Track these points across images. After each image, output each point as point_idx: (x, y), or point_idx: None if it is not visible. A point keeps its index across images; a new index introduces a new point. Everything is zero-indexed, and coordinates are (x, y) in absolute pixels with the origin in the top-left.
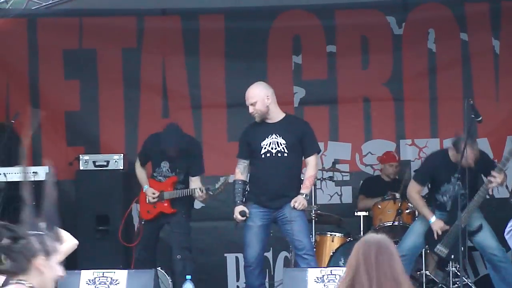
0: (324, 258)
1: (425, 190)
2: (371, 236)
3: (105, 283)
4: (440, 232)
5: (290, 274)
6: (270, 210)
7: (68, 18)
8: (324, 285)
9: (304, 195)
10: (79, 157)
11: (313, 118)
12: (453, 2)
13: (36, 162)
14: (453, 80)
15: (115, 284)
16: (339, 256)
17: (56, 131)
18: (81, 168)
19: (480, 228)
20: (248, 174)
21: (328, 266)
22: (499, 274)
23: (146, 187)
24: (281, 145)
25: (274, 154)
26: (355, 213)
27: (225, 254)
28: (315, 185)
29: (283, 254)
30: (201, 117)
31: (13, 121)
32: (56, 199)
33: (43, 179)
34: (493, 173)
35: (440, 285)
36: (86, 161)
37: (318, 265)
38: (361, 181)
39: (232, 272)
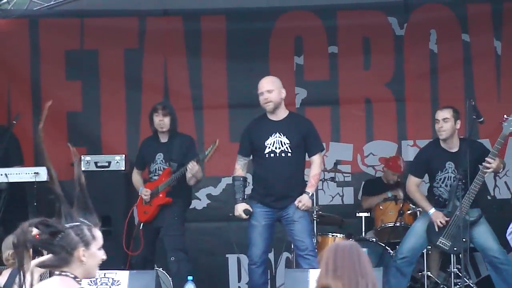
0: None
1: (424, 192)
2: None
3: (106, 284)
4: (439, 223)
5: (292, 275)
6: (274, 209)
7: (70, 19)
8: None
9: (310, 194)
10: (80, 157)
11: (315, 119)
12: (455, 3)
13: (38, 162)
14: (455, 81)
15: (117, 285)
16: None
17: (57, 132)
18: (83, 168)
19: (480, 217)
20: (246, 172)
21: None
22: (500, 276)
23: (141, 189)
24: (285, 144)
25: (278, 154)
26: (357, 214)
27: (227, 255)
28: (316, 186)
29: (285, 255)
30: (202, 117)
31: (14, 122)
32: (85, 187)
33: (44, 180)
34: (488, 158)
35: (441, 286)
36: (88, 162)
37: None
38: (362, 183)
39: (234, 273)
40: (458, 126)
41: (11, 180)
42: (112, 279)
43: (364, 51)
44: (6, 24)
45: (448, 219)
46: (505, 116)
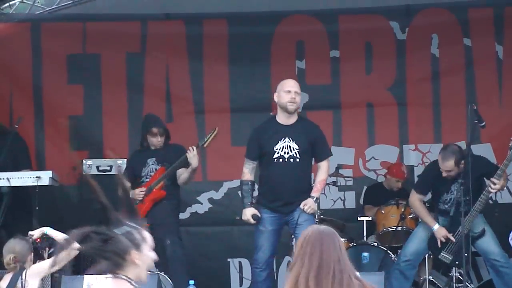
0: None
1: (428, 195)
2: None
3: None
4: (443, 240)
5: None
6: (281, 215)
7: (72, 23)
8: None
9: (315, 198)
10: (82, 161)
11: (317, 123)
12: (456, 7)
13: (40, 166)
14: (457, 85)
15: None
16: None
17: (59, 136)
18: (85, 172)
19: (483, 232)
20: (254, 176)
21: None
22: (502, 279)
23: (131, 192)
24: (294, 150)
25: (286, 160)
26: (358, 218)
27: (228, 259)
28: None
29: (287, 259)
30: (204, 121)
31: (16, 126)
32: (129, 190)
33: (46, 184)
34: (493, 180)
35: None
36: (90, 166)
37: None
38: (364, 191)
39: (235, 277)
40: (461, 166)
41: (13, 184)
42: None
43: (366, 55)
44: (8, 28)
45: (451, 235)
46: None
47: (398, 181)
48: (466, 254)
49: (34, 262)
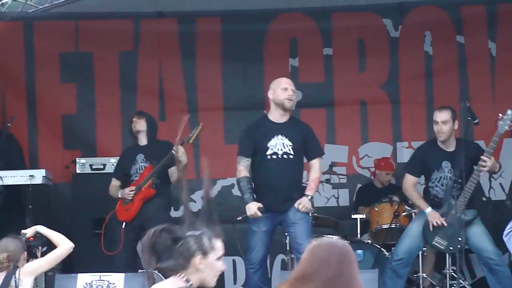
0: None
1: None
2: (335, 241)
3: (102, 286)
4: (435, 223)
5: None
6: (275, 214)
7: (64, 21)
8: None
9: (310, 197)
10: (75, 160)
11: (310, 121)
12: (449, 5)
13: (33, 165)
14: (450, 83)
15: (112, 287)
16: None
17: (53, 134)
18: (78, 171)
19: (475, 217)
20: (248, 172)
21: None
22: (495, 277)
23: (121, 191)
24: (287, 146)
25: (280, 156)
26: (352, 216)
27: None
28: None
29: (280, 257)
30: (197, 120)
31: (9, 125)
32: (212, 199)
33: (39, 182)
34: (483, 157)
35: (437, 287)
36: (83, 164)
37: None
38: (356, 191)
39: (230, 275)
40: (456, 126)
41: (6, 183)
42: (108, 281)
43: (359, 53)
44: (0, 27)
45: (444, 219)
46: (500, 115)
47: (388, 174)
48: (460, 239)
49: (28, 261)
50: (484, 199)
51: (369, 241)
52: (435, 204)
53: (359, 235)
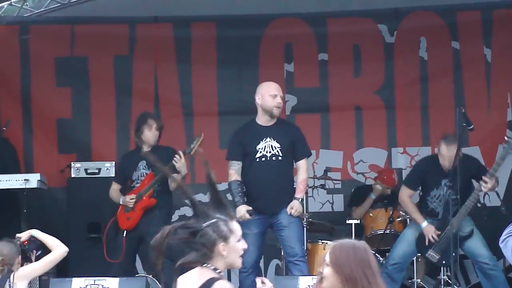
0: (316, 266)
1: (416, 198)
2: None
3: None
4: (431, 237)
5: (282, 282)
6: (266, 216)
7: (60, 26)
8: None
9: (300, 199)
10: (70, 164)
11: (305, 126)
12: (444, 11)
13: (28, 169)
14: (445, 89)
15: None
16: None
17: (48, 139)
18: (73, 175)
19: (471, 233)
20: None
21: None
22: (490, 282)
23: (122, 198)
24: (276, 148)
25: (269, 158)
26: (347, 221)
27: None
28: (306, 192)
29: (275, 262)
30: (192, 124)
31: (4, 129)
32: (215, 182)
33: (34, 186)
34: (484, 178)
35: None
36: (78, 169)
37: (309, 273)
38: (351, 193)
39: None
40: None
41: (1, 187)
42: (102, 285)
43: (354, 58)
44: None
45: (439, 233)
46: (506, 137)
47: (388, 188)
48: (454, 254)
49: (22, 265)
50: (479, 205)
51: None
52: (432, 215)
53: None
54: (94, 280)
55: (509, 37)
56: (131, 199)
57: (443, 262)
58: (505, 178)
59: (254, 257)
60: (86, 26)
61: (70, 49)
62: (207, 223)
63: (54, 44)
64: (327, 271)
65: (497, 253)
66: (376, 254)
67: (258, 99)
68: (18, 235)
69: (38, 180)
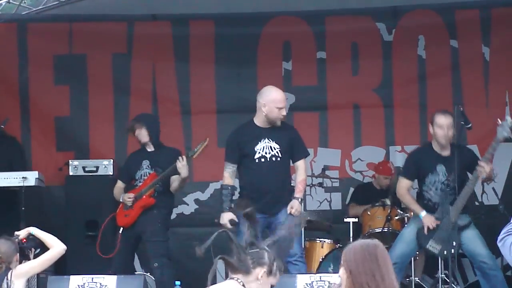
0: (314, 264)
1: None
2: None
3: None
4: (430, 226)
5: (280, 281)
6: (265, 216)
7: (58, 23)
8: None
9: (299, 199)
10: (68, 162)
11: (303, 124)
12: (443, 9)
13: (26, 167)
14: (443, 87)
15: None
16: (328, 262)
17: (46, 136)
18: (71, 173)
19: (470, 223)
20: (235, 179)
21: (317, 272)
22: (489, 281)
23: (122, 195)
24: (275, 149)
25: (268, 159)
26: (345, 220)
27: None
28: (304, 191)
29: None
30: (190, 123)
31: (2, 126)
32: (293, 238)
33: (32, 184)
34: (481, 162)
35: None
36: (76, 167)
37: (307, 271)
38: (353, 188)
39: (222, 278)
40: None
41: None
42: (100, 283)
43: (352, 56)
44: None
45: (439, 222)
46: (498, 120)
47: (386, 178)
48: (454, 244)
49: (20, 263)
50: (477, 203)
51: None
52: (429, 208)
53: (351, 239)
54: (92, 278)
55: (508, 36)
56: (129, 197)
57: (445, 252)
58: (503, 177)
59: None
60: (84, 24)
61: (68, 46)
62: (269, 248)
63: (52, 42)
64: (341, 271)
65: (496, 251)
66: None
67: (264, 108)
68: (16, 233)
69: (36, 178)
